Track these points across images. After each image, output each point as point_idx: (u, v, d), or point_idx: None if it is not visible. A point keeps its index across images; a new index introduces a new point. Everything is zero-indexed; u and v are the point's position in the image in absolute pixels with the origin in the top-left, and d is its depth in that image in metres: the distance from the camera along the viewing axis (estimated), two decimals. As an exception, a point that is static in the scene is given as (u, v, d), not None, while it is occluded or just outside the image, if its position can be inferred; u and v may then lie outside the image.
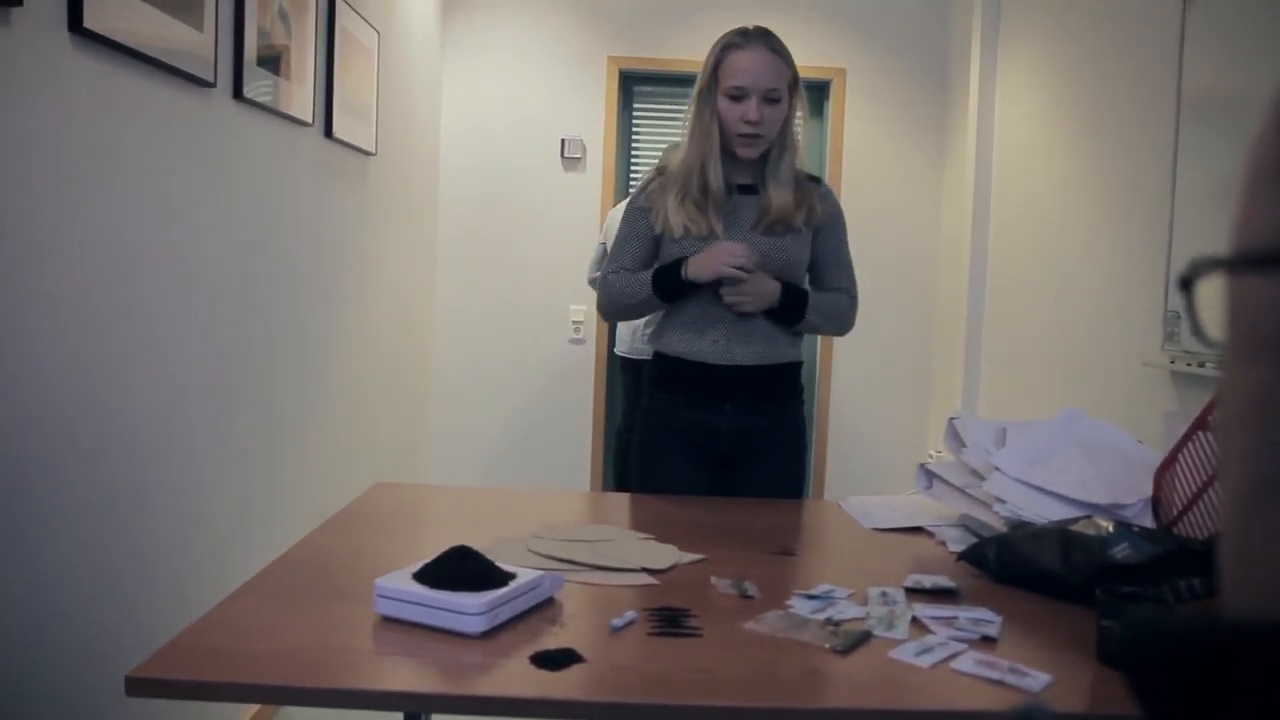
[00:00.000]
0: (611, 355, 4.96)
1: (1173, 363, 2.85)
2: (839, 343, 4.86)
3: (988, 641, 1.34)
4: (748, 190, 2.15)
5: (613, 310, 2.24)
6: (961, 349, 4.44)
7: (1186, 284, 0.34)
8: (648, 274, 2.15)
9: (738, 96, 2.07)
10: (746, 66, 2.07)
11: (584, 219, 4.76)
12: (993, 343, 4.32)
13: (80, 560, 1.79)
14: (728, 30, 2.14)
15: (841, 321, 2.27)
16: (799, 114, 2.15)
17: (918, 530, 1.94)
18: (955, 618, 1.41)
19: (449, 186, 4.81)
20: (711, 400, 2.16)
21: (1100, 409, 3.21)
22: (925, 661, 1.26)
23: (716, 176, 2.09)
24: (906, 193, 4.89)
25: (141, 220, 1.98)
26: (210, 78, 2.19)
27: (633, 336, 4.21)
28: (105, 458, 1.86)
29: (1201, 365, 2.71)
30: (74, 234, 1.75)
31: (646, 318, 3.98)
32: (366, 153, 3.44)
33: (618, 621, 1.31)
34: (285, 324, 2.78)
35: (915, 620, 1.40)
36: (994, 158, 4.34)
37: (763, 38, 2.10)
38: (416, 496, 2.10)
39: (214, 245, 2.30)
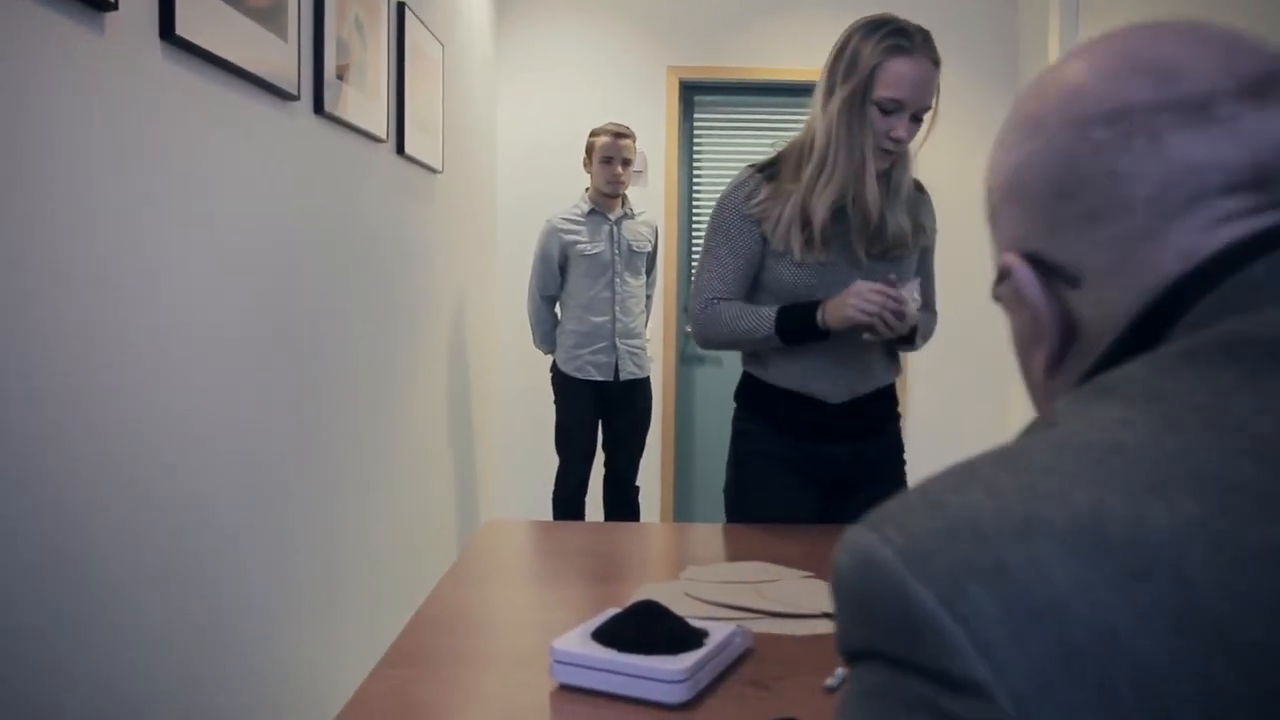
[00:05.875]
0: (681, 381, 4.79)
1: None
2: (914, 359, 4.67)
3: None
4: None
5: (720, 344, 2.00)
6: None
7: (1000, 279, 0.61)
8: (768, 312, 1.90)
9: (890, 110, 1.80)
10: (910, 79, 1.78)
11: (646, 234, 4.60)
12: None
13: (164, 616, 1.63)
14: (872, 19, 1.83)
15: (927, 340, 2.11)
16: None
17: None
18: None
19: (507, 204, 4.66)
20: (834, 434, 1.97)
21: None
22: None
23: (875, 199, 1.84)
24: (978, 191, 4.70)
25: (221, 235, 1.83)
26: (294, 90, 2.04)
27: (575, 348, 3.83)
28: (183, 480, 1.71)
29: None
30: (155, 244, 1.60)
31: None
32: (434, 170, 3.30)
33: (832, 681, 1.14)
34: (364, 347, 2.62)
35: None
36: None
37: (927, 46, 1.81)
38: (531, 535, 1.93)
39: (293, 266, 2.15)
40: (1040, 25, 4.43)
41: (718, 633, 1.17)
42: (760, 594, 1.48)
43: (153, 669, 1.55)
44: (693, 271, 4.77)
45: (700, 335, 2.01)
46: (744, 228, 1.92)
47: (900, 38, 1.80)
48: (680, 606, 1.40)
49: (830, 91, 1.85)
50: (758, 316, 1.92)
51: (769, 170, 1.95)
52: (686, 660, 1.08)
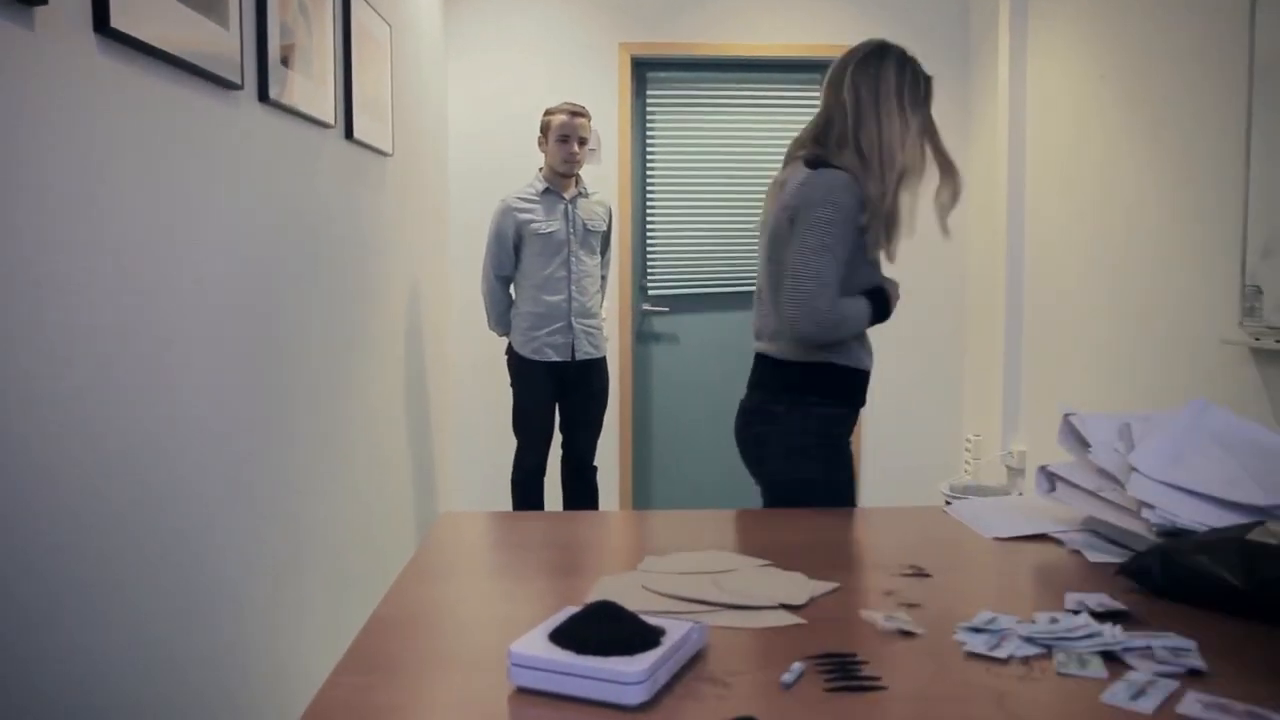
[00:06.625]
0: (638, 360, 4.79)
1: (1257, 340, 2.70)
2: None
3: (1195, 675, 1.18)
4: None
5: (830, 342, 2.16)
6: (1000, 336, 4.29)
7: None
8: (865, 306, 2.16)
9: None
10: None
11: (600, 214, 4.57)
12: (1035, 328, 4.17)
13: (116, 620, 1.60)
14: (906, 51, 2.20)
15: None
16: None
17: (1040, 537, 1.79)
18: (1149, 647, 1.25)
19: (459, 185, 4.61)
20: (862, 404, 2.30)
21: (1175, 393, 3.06)
22: (1146, 706, 1.10)
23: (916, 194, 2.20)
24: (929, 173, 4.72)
25: (168, 232, 1.79)
26: (238, 79, 2.00)
27: (531, 330, 3.86)
28: (128, 479, 1.68)
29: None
30: (99, 244, 1.56)
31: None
32: (384, 154, 3.25)
33: (788, 677, 1.15)
34: (319, 334, 2.59)
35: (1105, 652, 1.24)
36: (1027, 131, 4.18)
37: None
38: (488, 528, 1.93)
39: (241, 260, 2.12)
40: (989, 27, 4.44)
41: (674, 631, 1.17)
42: (716, 585, 1.49)
43: (114, 664, 1.53)
44: (648, 250, 4.76)
45: (826, 334, 2.11)
46: (854, 234, 2.12)
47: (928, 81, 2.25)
48: (637, 599, 1.40)
49: (902, 108, 2.15)
50: (859, 311, 2.16)
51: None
52: (644, 661, 1.08)
